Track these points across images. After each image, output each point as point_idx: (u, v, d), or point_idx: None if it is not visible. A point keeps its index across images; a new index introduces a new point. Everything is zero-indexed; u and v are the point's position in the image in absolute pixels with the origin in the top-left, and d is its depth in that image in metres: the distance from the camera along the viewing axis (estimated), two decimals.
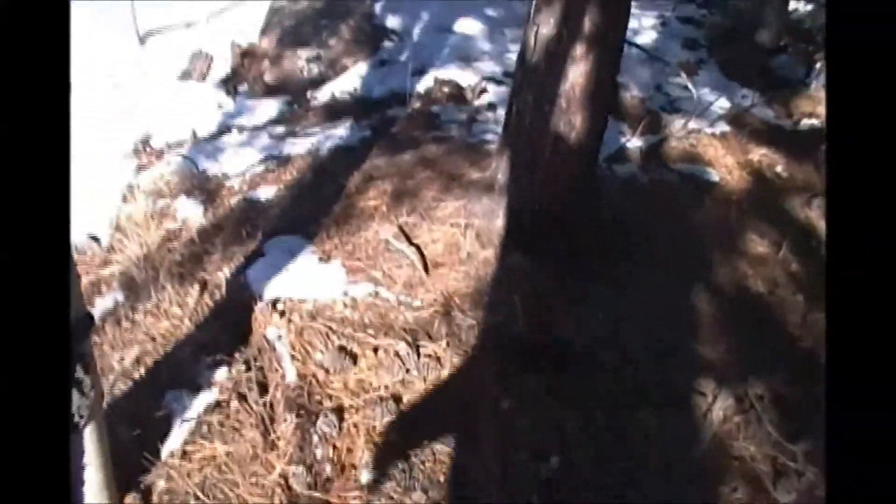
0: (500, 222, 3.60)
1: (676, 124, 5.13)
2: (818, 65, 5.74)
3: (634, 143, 4.87)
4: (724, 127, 5.25)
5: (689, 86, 5.29)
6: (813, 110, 5.56)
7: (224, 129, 4.75)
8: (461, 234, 3.60)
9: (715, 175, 4.68)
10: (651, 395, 3.09)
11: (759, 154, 5.00)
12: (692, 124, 5.16)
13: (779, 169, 4.91)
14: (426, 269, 3.44)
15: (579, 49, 3.21)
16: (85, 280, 3.73)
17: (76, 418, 2.21)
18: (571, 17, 3.18)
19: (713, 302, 3.64)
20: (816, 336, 3.60)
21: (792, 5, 6.34)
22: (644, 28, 6.43)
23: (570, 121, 3.34)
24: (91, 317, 2.23)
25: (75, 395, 2.17)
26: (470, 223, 3.66)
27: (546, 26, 3.22)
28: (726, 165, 4.80)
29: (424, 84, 5.10)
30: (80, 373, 2.17)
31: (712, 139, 5.06)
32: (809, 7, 6.26)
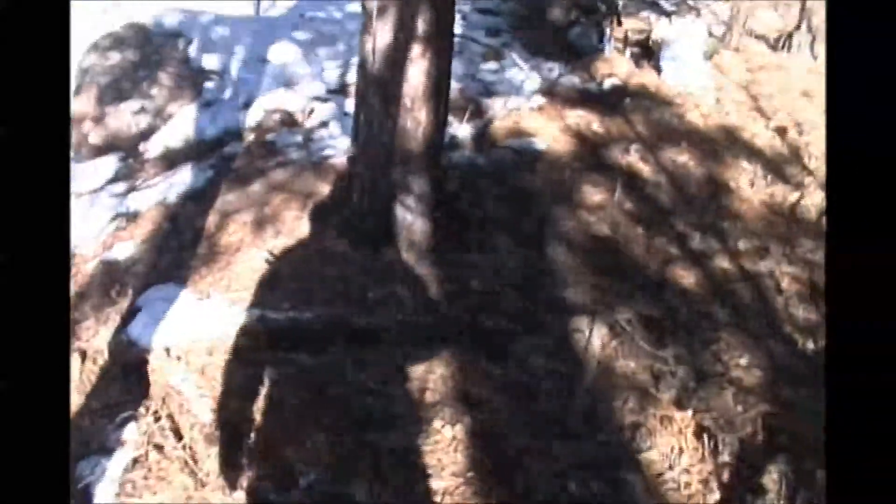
0: (367, 224, 3.79)
1: (497, 106, 5.51)
2: (607, 30, 6.35)
3: (463, 130, 5.19)
4: (540, 100, 5.69)
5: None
6: (611, 71, 6.14)
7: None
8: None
9: (542, 143, 5.09)
10: (536, 345, 3.39)
11: (575, 117, 5.47)
12: (511, 103, 5.56)
13: (595, 126, 5.40)
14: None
15: (416, 50, 3.46)
16: None
17: None
18: (406, 22, 3.43)
19: (568, 251, 4.01)
20: (660, 260, 4.06)
21: None
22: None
23: (416, 117, 3.58)
24: None
25: None
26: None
27: (383, 34, 3.45)
28: (550, 134, 5.23)
29: (254, 116, 5.19)
30: None
31: (532, 113, 5.48)
32: None
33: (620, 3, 6.50)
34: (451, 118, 5.37)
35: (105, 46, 5.41)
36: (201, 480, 2.83)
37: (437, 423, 2.97)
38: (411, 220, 3.81)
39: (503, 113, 5.42)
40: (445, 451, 2.88)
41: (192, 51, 5.71)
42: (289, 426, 2.89)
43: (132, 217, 4.33)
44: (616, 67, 6.19)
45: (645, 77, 6.06)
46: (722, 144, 5.35)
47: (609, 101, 5.73)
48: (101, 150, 4.96)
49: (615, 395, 3.16)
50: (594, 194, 4.56)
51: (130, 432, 3.02)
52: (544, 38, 6.43)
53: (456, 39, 4.00)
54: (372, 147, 3.66)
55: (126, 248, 4.11)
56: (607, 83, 6.02)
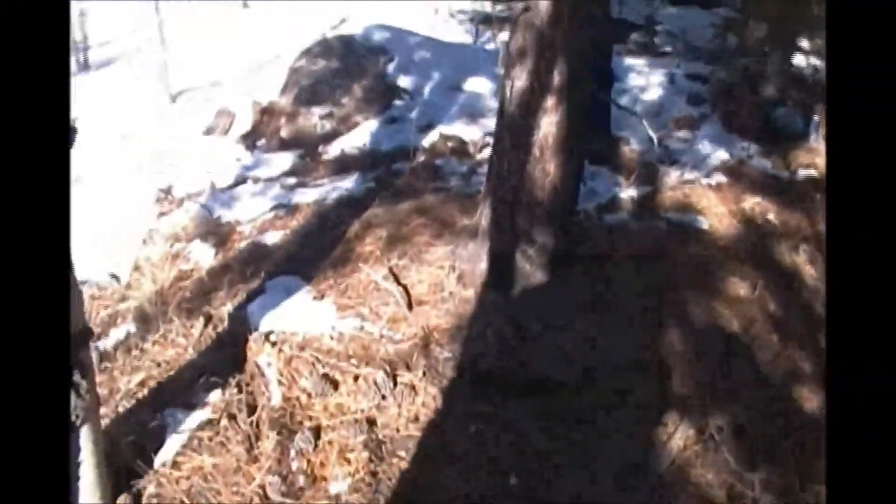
0: (482, 265, 3.85)
1: (672, 175, 5.34)
2: (816, 117, 5.92)
3: (628, 193, 5.09)
4: (720, 178, 5.43)
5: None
6: (811, 161, 5.72)
7: (240, 180, 5.14)
8: (445, 276, 3.85)
9: (705, 223, 4.86)
10: (616, 423, 3.27)
11: (751, 202, 5.16)
12: (687, 175, 5.37)
13: (770, 216, 5.06)
14: (410, 306, 3.69)
15: (550, 101, 3.49)
16: (104, 313, 4.09)
17: (73, 418, 2.51)
18: (542, 70, 3.48)
19: (686, 338, 3.80)
20: (785, 373, 3.73)
21: (796, 60, 6.55)
22: (651, 84, 6.70)
23: (544, 168, 3.61)
24: (90, 330, 2.56)
25: (73, 397, 2.48)
26: (455, 265, 3.92)
27: (519, 80, 3.52)
28: (717, 214, 4.98)
29: (430, 139, 5.44)
30: (77, 377, 2.47)
31: (706, 189, 5.24)
32: (813, 61, 6.46)
33: None
34: (620, 179, 5.32)
35: (315, 52, 5.92)
36: (255, 456, 3.04)
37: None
38: (530, 270, 3.82)
39: (675, 183, 5.23)
40: None
41: (391, 68, 6.09)
42: None
43: (291, 209, 4.70)
44: (818, 159, 5.75)
45: None
46: None
47: (797, 193, 5.34)
48: (286, 145, 5.43)
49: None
50: (740, 288, 4.28)
51: (214, 396, 3.31)
52: (745, 113, 6.12)
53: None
54: (501, 190, 3.72)
55: (276, 236, 4.47)
56: (801, 173, 5.62)
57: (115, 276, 4.29)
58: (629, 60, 7.07)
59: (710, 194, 5.22)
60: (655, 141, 3.84)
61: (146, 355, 3.64)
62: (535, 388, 3.37)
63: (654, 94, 6.51)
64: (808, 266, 4.63)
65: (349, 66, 5.79)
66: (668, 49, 8.41)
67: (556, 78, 3.46)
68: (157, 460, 3.03)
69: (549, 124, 3.54)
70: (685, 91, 6.60)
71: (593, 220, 4.66)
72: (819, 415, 3.55)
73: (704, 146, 5.84)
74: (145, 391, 3.42)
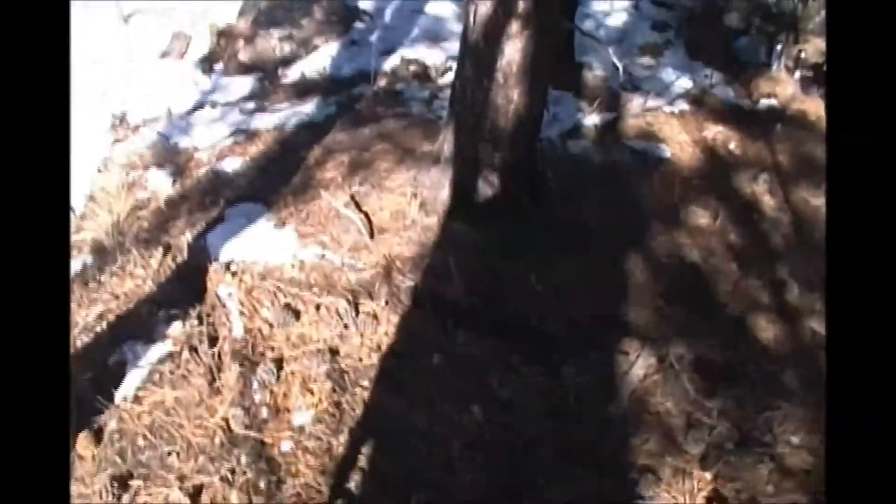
0: (445, 192, 3.82)
1: (635, 102, 5.31)
2: (779, 46, 5.88)
3: (592, 120, 5.06)
4: (683, 106, 5.42)
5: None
6: (772, 91, 5.71)
7: (198, 106, 4.99)
8: (407, 203, 3.82)
9: (667, 151, 4.87)
10: (576, 355, 3.32)
11: (714, 131, 5.17)
12: (651, 103, 5.34)
13: (732, 146, 5.08)
14: (371, 234, 3.67)
15: (514, 26, 3.40)
16: None
17: None
18: None
19: (647, 269, 3.85)
20: (746, 303, 3.80)
21: None
22: (616, 10, 6.58)
23: (508, 95, 3.54)
24: None
25: None
26: (417, 193, 3.88)
27: (483, 4, 3.42)
28: (680, 142, 4.98)
29: (391, 63, 5.31)
30: None
31: (670, 117, 5.23)
32: None
33: (802, 16, 5.98)
34: (584, 105, 5.27)
35: None
36: (217, 389, 3.04)
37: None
38: (492, 197, 3.80)
39: (639, 111, 5.21)
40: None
41: None
42: None
43: (251, 135, 4.58)
44: (779, 88, 5.75)
45: (808, 105, 5.59)
46: None
47: (758, 123, 5.35)
48: (245, 69, 5.27)
49: (639, 433, 3.05)
50: (700, 217, 4.33)
51: (174, 329, 3.28)
52: (711, 43, 6.07)
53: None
54: (463, 117, 3.66)
55: (235, 163, 4.37)
56: (764, 103, 5.62)
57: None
58: None
59: (673, 122, 5.22)
60: (620, 69, 3.78)
61: (103, 288, 3.57)
62: (497, 324, 3.39)
63: (618, 19, 6.40)
64: (766, 196, 4.69)
65: None
66: None
67: (521, 3, 3.36)
68: (118, 395, 3.01)
69: (513, 51, 3.45)
70: (650, 17, 6.50)
71: (556, 148, 4.63)
72: (775, 344, 3.64)
73: (668, 74, 5.79)
74: (103, 325, 3.37)
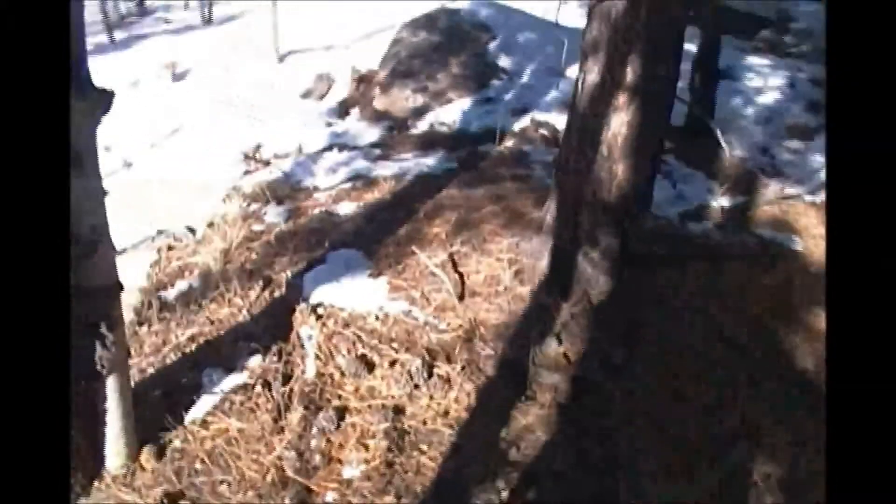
0: (544, 263, 3.72)
1: (772, 188, 5.01)
2: None
3: (721, 201, 4.81)
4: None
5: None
6: None
7: (327, 148, 5.18)
8: (503, 269, 3.76)
9: (798, 244, 4.53)
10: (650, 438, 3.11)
11: None
12: (790, 190, 5.02)
13: None
14: (462, 296, 3.62)
15: (621, 98, 3.30)
16: (175, 264, 4.23)
17: (98, 367, 2.61)
18: (615, 66, 3.28)
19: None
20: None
21: None
22: (769, 87, 6.27)
23: (611, 168, 3.42)
24: (120, 285, 2.63)
25: (98, 347, 2.57)
26: (516, 259, 3.81)
27: (591, 74, 3.34)
28: (815, 235, 4.63)
29: (521, 124, 5.29)
30: (104, 329, 2.57)
31: (809, 207, 4.89)
32: None
33: None
34: (715, 186, 5.03)
35: (418, 24, 5.85)
36: (280, 427, 3.08)
37: None
38: (592, 274, 3.66)
39: (774, 197, 4.90)
40: None
41: (492, 46, 5.95)
42: None
43: (369, 182, 4.70)
44: None
45: None
46: None
47: None
48: (378, 116, 5.43)
49: None
50: (818, 322, 3.97)
51: (253, 362, 3.37)
52: None
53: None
54: (566, 187, 3.57)
55: (349, 207, 4.49)
56: None
57: (191, 230, 4.43)
58: (752, 59, 6.63)
59: (811, 213, 4.86)
60: (726, 149, 3.54)
61: (203, 311, 3.74)
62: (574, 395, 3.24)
63: (770, 97, 6.08)
64: None
65: (450, 41, 5.70)
66: (800, 49, 7.84)
67: (630, 74, 3.25)
68: (188, 417, 3.11)
69: (619, 123, 3.34)
70: (805, 97, 6.14)
71: (674, 228, 4.43)
72: None
73: (816, 159, 5.42)
74: (193, 346, 3.51)
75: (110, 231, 2.54)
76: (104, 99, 2.33)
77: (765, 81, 6.34)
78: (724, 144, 3.75)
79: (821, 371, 3.66)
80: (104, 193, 2.49)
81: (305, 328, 3.45)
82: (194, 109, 5.77)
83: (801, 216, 4.81)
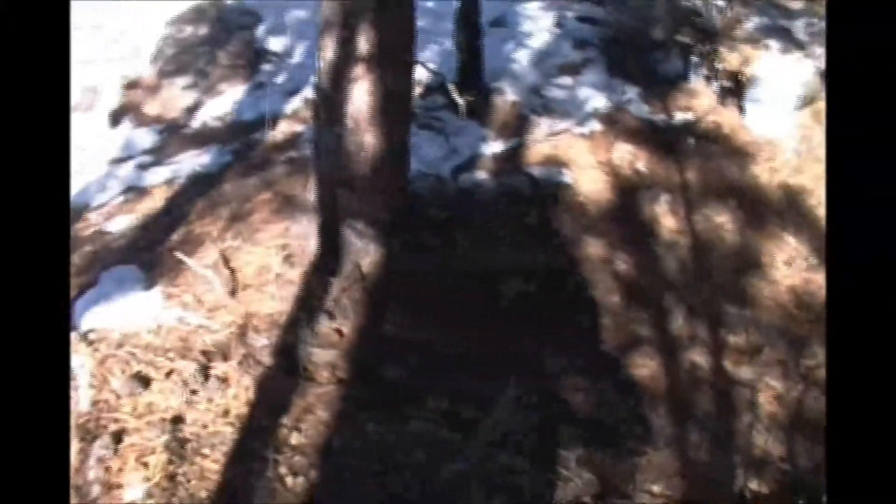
0: (312, 242, 3.79)
1: (542, 126, 5.24)
2: (695, 58, 5.78)
3: (493, 148, 5.00)
4: (594, 126, 5.34)
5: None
6: (688, 104, 5.62)
7: (100, 161, 5.00)
8: (273, 256, 3.80)
9: (569, 176, 4.79)
10: (426, 406, 3.26)
11: (622, 151, 5.09)
12: (560, 125, 5.27)
13: (639, 165, 5.00)
14: (234, 292, 3.64)
15: (359, 69, 3.37)
16: None
17: None
18: (349, 39, 3.35)
19: (522, 305, 3.79)
20: (623, 339, 3.73)
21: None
22: (540, 29, 6.51)
23: (360, 141, 3.50)
24: None
25: None
26: (286, 244, 3.86)
27: (327, 50, 3.40)
28: (584, 166, 4.91)
29: (295, 105, 5.28)
30: None
31: (577, 139, 5.16)
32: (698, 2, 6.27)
33: (726, 24, 5.87)
34: (490, 133, 5.21)
35: (185, 19, 5.71)
36: None
37: None
38: (360, 245, 3.76)
39: (544, 135, 5.14)
40: None
41: (261, 31, 5.89)
42: None
43: (141, 192, 4.59)
44: (696, 100, 5.66)
45: (724, 116, 5.49)
46: (775, 209, 4.76)
47: (672, 138, 5.26)
48: (150, 121, 5.28)
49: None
50: (593, 245, 4.25)
51: None
52: (631, 58, 5.97)
53: None
54: (321, 165, 3.64)
55: (122, 222, 4.38)
56: (679, 117, 5.53)
57: None
58: (522, 5, 6.85)
59: (580, 145, 5.14)
60: (461, 104, 3.66)
61: None
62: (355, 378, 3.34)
63: (540, 39, 6.33)
64: (667, 217, 4.60)
65: (216, 34, 5.60)
66: None
67: (364, 47, 3.33)
68: None
69: (360, 95, 3.43)
70: (574, 35, 6.42)
71: (446, 184, 4.58)
72: (649, 382, 3.57)
73: (585, 93, 5.71)
74: None
75: None
76: None
77: (535, 25, 6.57)
78: (458, 100, 3.88)
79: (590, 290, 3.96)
80: None
81: (76, 357, 3.37)
82: None
83: (570, 149, 5.08)
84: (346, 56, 3.40)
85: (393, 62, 3.49)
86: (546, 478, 3.07)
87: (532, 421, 3.27)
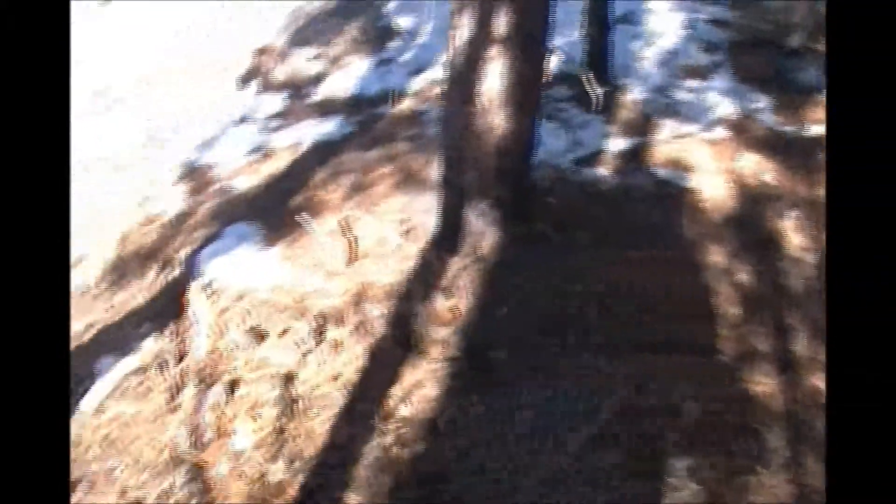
0: (433, 220, 3.79)
1: (668, 128, 5.11)
2: None
3: (617, 145, 4.90)
4: (720, 132, 5.16)
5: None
6: (822, 117, 5.37)
7: (228, 122, 5.14)
8: (393, 229, 3.81)
9: (692, 181, 4.65)
10: (535, 395, 3.21)
11: (749, 161, 4.90)
12: (685, 128, 5.12)
13: (767, 177, 4.80)
14: (352, 259, 3.68)
15: (493, 50, 3.35)
16: (73, 254, 4.19)
17: None
18: (485, 19, 3.32)
19: (636, 308, 3.69)
20: (743, 350, 3.58)
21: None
22: (669, 30, 6.34)
23: (490, 122, 3.48)
24: None
25: None
26: (406, 218, 3.87)
27: (463, 29, 3.38)
28: (707, 171, 4.75)
29: (418, 84, 5.30)
30: None
31: (702, 144, 5.00)
32: None
33: None
34: (613, 130, 5.11)
35: None
36: (174, 406, 3.12)
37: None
38: (481, 227, 3.74)
39: (670, 137, 5.00)
40: None
41: (389, 8, 5.93)
42: None
43: (265, 154, 4.69)
44: None
45: None
46: None
47: (801, 151, 5.04)
48: (277, 87, 5.40)
49: None
50: (714, 253, 4.10)
51: (147, 344, 3.40)
52: (763, 65, 5.75)
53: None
54: (448, 144, 3.62)
55: (247, 181, 4.49)
56: (813, 130, 5.28)
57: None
58: (652, 3, 6.69)
59: (705, 150, 4.98)
60: (595, 97, 3.57)
61: (100, 298, 3.74)
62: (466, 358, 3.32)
63: (669, 40, 6.16)
64: (794, 234, 4.40)
65: (345, 7, 5.67)
66: None
67: (501, 28, 3.30)
68: (84, 404, 3.14)
69: (493, 76, 3.40)
70: (704, 38, 6.22)
71: (567, 175, 4.51)
72: (766, 399, 3.42)
73: (711, 98, 5.53)
74: (91, 335, 3.52)
75: None
76: None
77: (663, 24, 6.40)
78: (593, 92, 3.78)
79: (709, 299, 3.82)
80: None
81: (198, 306, 3.48)
82: (89, 91, 5.68)
83: (696, 153, 4.92)
84: (481, 36, 3.37)
85: (527, 46, 3.45)
86: (652, 484, 2.98)
87: (639, 423, 3.18)
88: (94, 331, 3.55)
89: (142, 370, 3.29)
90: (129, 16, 6.27)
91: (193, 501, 2.77)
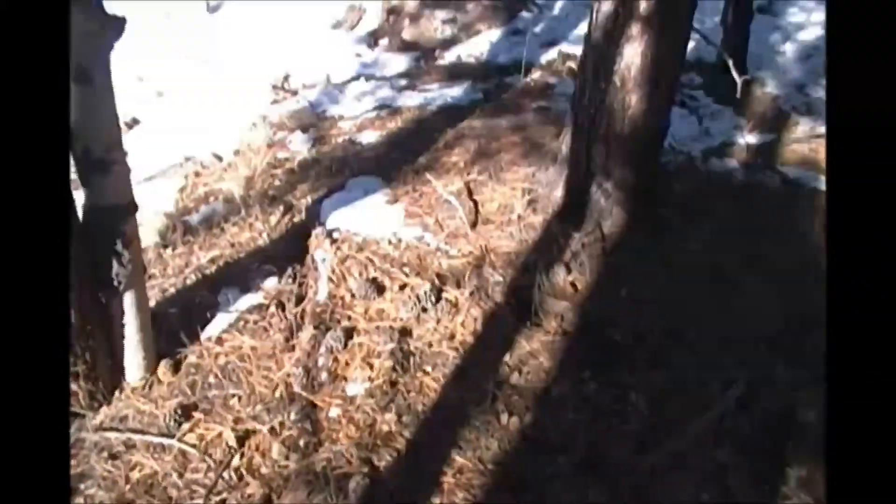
0: (557, 193, 3.74)
1: (802, 126, 4.90)
2: None
3: (748, 139, 4.73)
4: None
5: None
6: None
7: (355, 78, 5.21)
8: (517, 198, 3.79)
9: (824, 183, 4.44)
10: (648, 378, 3.15)
11: None
12: (822, 128, 4.90)
13: None
14: (475, 224, 3.68)
15: (635, 28, 3.26)
16: (201, 190, 4.34)
17: (115, 283, 2.74)
18: None
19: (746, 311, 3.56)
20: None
21: None
22: (811, 22, 6.07)
23: (625, 99, 3.40)
24: (135, 204, 2.74)
25: (115, 265, 2.70)
26: (531, 189, 3.84)
27: (605, 3, 3.30)
28: None
29: (549, 56, 5.24)
30: (119, 247, 2.69)
31: None
32: None
33: None
34: (744, 123, 4.94)
35: None
36: (291, 346, 3.20)
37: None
38: (605, 205, 3.68)
39: (804, 136, 4.80)
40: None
41: None
42: None
43: (393, 111, 4.73)
44: None
45: None
46: None
47: None
48: (406, 47, 5.43)
49: None
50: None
51: (269, 283, 3.49)
52: None
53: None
54: (579, 118, 3.56)
55: (372, 136, 4.54)
56: None
57: (217, 157, 4.52)
58: None
59: None
60: (739, 84, 3.41)
61: (224, 235, 3.86)
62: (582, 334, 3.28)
63: (811, 33, 5.89)
64: None
65: None
66: None
67: (643, 4, 3.21)
68: (204, 334, 3.25)
69: (632, 54, 3.31)
70: None
71: (695, 164, 4.38)
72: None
73: None
74: (214, 268, 3.64)
75: (125, 152, 2.63)
76: (114, 24, 2.40)
77: (807, 17, 6.13)
78: (735, 76, 3.62)
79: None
80: (116, 115, 2.57)
81: (320, 251, 3.54)
82: (227, 40, 5.83)
83: None
84: (624, 13, 3.28)
85: (670, 26, 3.34)
86: (762, 488, 2.89)
87: (750, 426, 3.08)
88: (216, 265, 3.66)
89: (262, 307, 3.38)
90: None
91: (303, 439, 2.83)
